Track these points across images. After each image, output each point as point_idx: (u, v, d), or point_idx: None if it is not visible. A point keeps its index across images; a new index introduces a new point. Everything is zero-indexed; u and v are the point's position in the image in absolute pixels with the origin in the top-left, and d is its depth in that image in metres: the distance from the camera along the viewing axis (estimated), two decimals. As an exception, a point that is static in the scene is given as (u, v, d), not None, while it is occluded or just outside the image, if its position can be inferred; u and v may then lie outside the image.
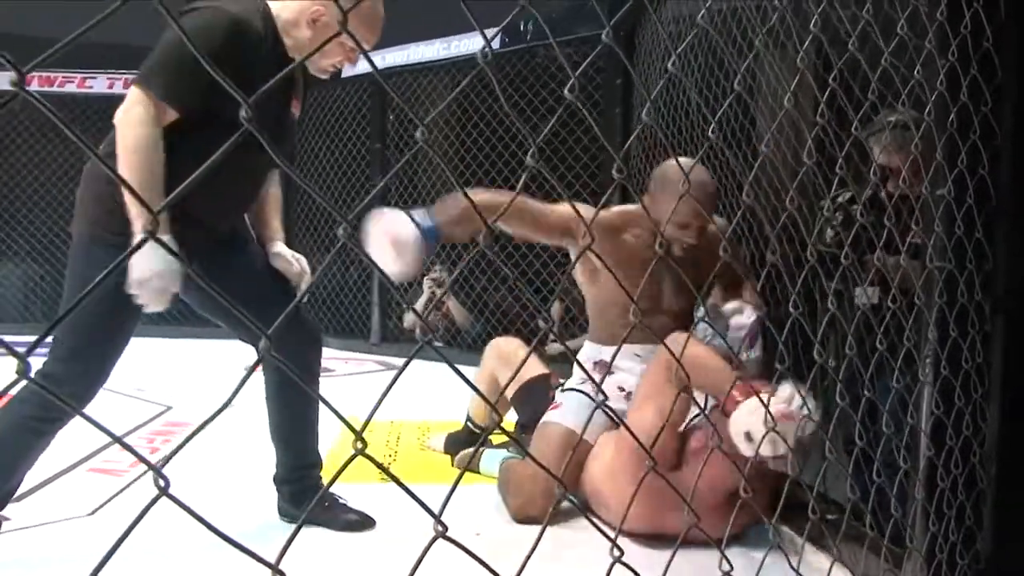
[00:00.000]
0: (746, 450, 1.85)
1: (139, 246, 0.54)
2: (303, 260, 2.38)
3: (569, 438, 2.50)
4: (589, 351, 2.81)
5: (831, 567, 1.28)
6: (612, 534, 0.88)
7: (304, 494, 2.40)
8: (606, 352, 2.72)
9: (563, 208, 2.49)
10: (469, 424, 3.13)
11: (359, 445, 0.60)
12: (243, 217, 2.36)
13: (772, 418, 1.74)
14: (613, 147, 4.14)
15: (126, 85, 6.72)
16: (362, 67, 6.16)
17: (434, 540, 0.61)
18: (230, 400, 0.57)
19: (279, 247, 2.35)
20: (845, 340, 1.33)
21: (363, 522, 2.37)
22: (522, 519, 2.48)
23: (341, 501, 2.43)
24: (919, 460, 1.50)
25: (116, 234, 1.97)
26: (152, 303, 1.86)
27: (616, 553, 0.85)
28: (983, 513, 1.56)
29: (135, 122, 1.92)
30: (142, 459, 0.51)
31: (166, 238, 1.89)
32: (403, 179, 6.01)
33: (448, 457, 3.14)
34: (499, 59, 5.39)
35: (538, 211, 2.51)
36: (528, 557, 0.72)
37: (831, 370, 1.24)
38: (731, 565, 0.98)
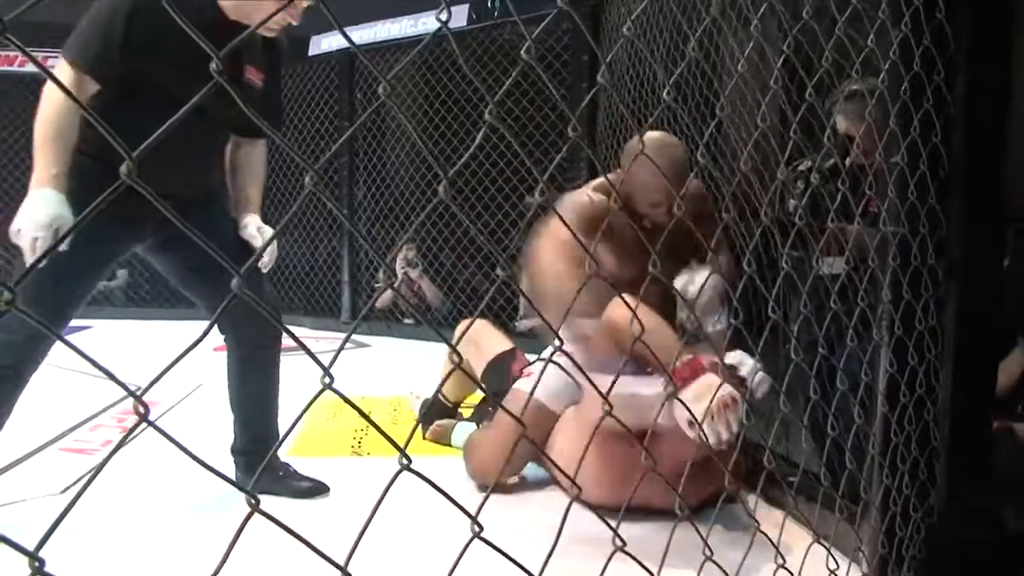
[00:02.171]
0: (691, 435, 1.87)
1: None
2: (268, 233, 2.37)
3: (534, 404, 2.49)
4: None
5: (783, 521, 1.33)
6: (589, 513, 0.91)
7: (259, 465, 2.43)
8: (588, 325, 2.61)
9: (573, 278, 2.36)
10: (440, 397, 3.15)
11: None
12: (204, 182, 2.35)
13: (714, 408, 1.80)
14: (578, 120, 4.17)
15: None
16: (329, 44, 6.15)
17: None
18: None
19: (248, 219, 2.36)
20: (806, 307, 1.37)
21: (315, 489, 2.43)
22: (480, 481, 2.56)
23: (292, 470, 2.48)
24: (874, 417, 1.56)
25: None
26: (27, 251, 1.91)
27: (619, 543, 0.88)
28: (936, 469, 1.62)
29: (52, 88, 1.97)
30: (121, 384, 0.53)
31: (48, 192, 1.92)
32: (371, 156, 6.00)
33: (419, 433, 3.18)
34: (467, 36, 5.39)
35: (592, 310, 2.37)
36: (480, 507, 0.75)
37: (790, 332, 1.28)
38: (705, 541, 1.02)
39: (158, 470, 2.58)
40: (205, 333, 0.62)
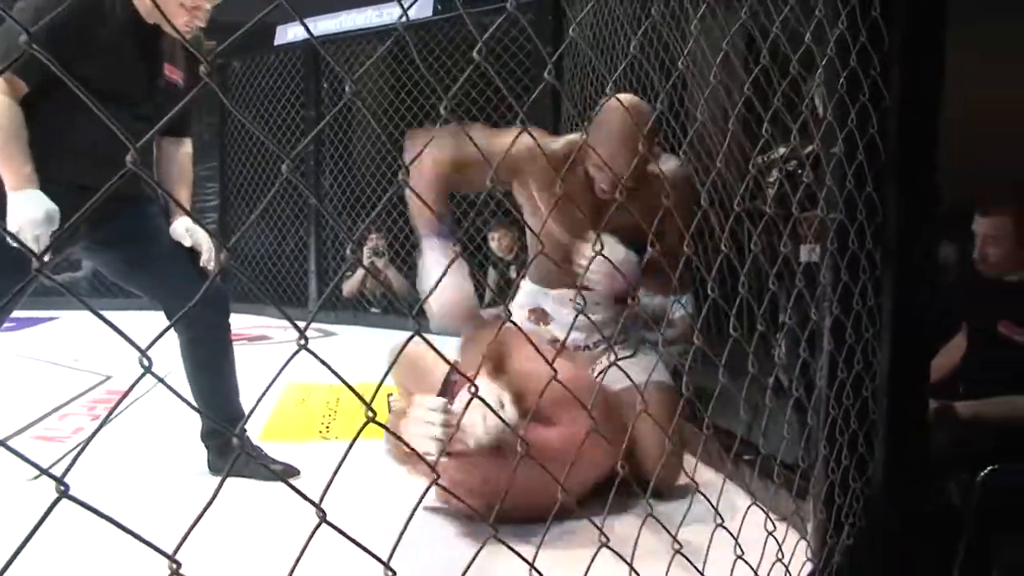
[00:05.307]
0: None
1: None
2: (198, 233, 2.40)
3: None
4: (525, 297, 2.68)
5: (722, 485, 1.42)
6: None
7: (229, 448, 2.50)
8: (543, 299, 2.64)
9: (505, 144, 2.26)
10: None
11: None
12: (134, 179, 2.39)
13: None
14: (538, 107, 4.26)
15: None
16: (295, 34, 6.16)
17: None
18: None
19: (177, 220, 2.41)
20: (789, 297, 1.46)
21: (285, 472, 2.46)
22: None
23: (263, 453, 2.53)
24: (813, 391, 1.65)
25: None
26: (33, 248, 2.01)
27: (603, 539, 0.95)
28: (874, 442, 1.72)
29: None
30: (126, 337, 0.59)
31: (32, 191, 2.00)
32: (337, 146, 6.04)
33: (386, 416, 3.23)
34: (432, 27, 5.44)
35: (480, 160, 2.13)
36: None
37: (729, 312, 1.37)
38: (647, 500, 1.10)
39: (128, 454, 2.63)
40: (181, 316, 0.68)
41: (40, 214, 2.00)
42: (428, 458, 1.77)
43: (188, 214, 0.81)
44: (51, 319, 5.80)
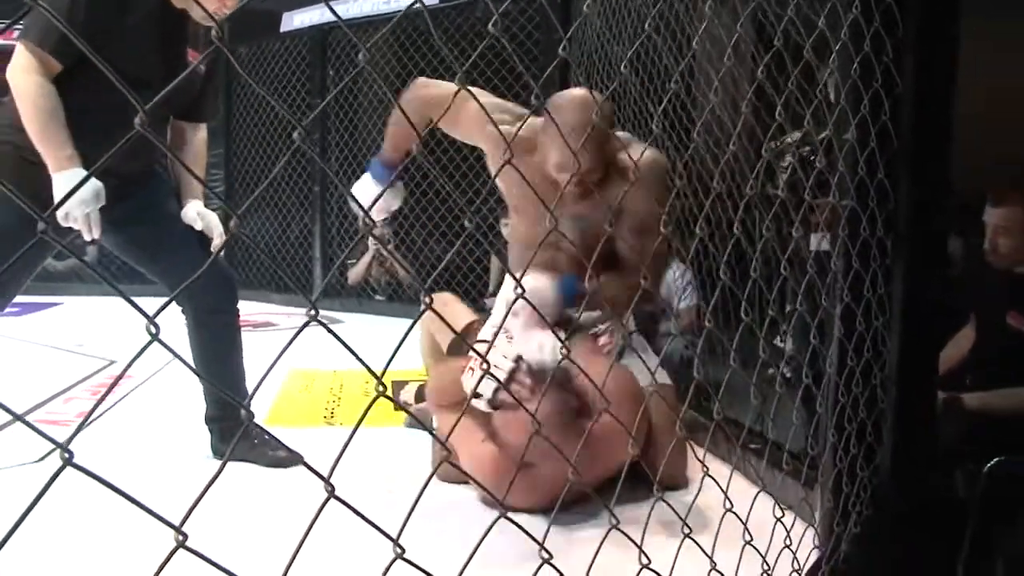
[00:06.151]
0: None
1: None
2: (209, 217, 2.41)
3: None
4: (507, 290, 2.63)
5: (731, 474, 1.41)
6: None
7: (232, 432, 2.48)
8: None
9: (476, 114, 2.28)
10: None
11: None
12: (148, 162, 2.42)
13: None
14: (548, 83, 4.24)
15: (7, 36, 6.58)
16: (301, 20, 6.14)
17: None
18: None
19: (190, 204, 2.41)
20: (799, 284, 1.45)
21: (289, 459, 2.44)
22: (442, 478, 2.31)
23: (267, 437, 2.50)
24: (822, 380, 1.64)
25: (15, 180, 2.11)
26: (84, 229, 2.07)
27: (613, 521, 0.94)
28: (883, 431, 1.71)
29: (23, 71, 2.05)
30: (136, 306, 0.58)
31: (77, 171, 2.02)
32: (343, 132, 6.02)
33: (390, 404, 3.19)
34: (439, 14, 5.42)
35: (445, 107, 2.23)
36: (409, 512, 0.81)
37: (740, 295, 1.36)
38: (655, 481, 1.09)
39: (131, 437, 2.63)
40: (176, 296, 0.67)
41: (88, 193, 2.03)
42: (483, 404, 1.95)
43: (202, 184, 0.80)
44: (55, 304, 5.80)
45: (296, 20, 6.18)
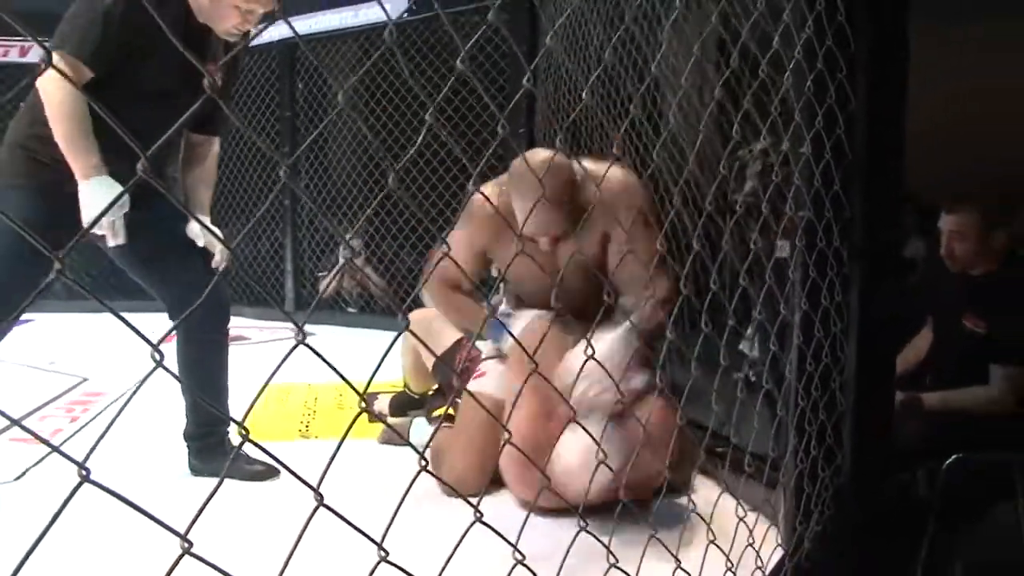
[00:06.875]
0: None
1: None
2: (212, 233, 2.42)
3: (496, 408, 2.37)
4: (502, 315, 2.67)
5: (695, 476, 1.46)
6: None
7: (211, 449, 2.53)
8: (509, 321, 2.59)
9: (466, 243, 2.50)
10: (406, 389, 3.05)
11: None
12: (161, 173, 2.44)
13: None
14: (515, 110, 4.30)
15: (22, 53, 6.55)
16: (270, 35, 6.15)
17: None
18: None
19: (193, 221, 2.41)
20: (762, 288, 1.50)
21: (266, 473, 2.48)
22: (463, 490, 2.25)
23: (243, 453, 2.49)
24: (783, 383, 1.71)
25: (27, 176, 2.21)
26: (109, 235, 2.15)
27: (581, 524, 0.99)
28: (843, 433, 1.78)
29: (56, 80, 2.05)
30: (131, 327, 0.62)
31: (103, 178, 2.07)
32: (313, 148, 6.04)
33: (366, 416, 3.20)
34: (407, 27, 5.46)
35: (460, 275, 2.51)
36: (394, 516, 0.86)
37: (699, 305, 1.41)
38: (621, 485, 1.14)
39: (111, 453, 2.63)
40: (184, 317, 0.71)
41: (110, 199, 2.04)
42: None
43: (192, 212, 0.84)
44: (26, 321, 5.76)
45: (264, 34, 6.18)
